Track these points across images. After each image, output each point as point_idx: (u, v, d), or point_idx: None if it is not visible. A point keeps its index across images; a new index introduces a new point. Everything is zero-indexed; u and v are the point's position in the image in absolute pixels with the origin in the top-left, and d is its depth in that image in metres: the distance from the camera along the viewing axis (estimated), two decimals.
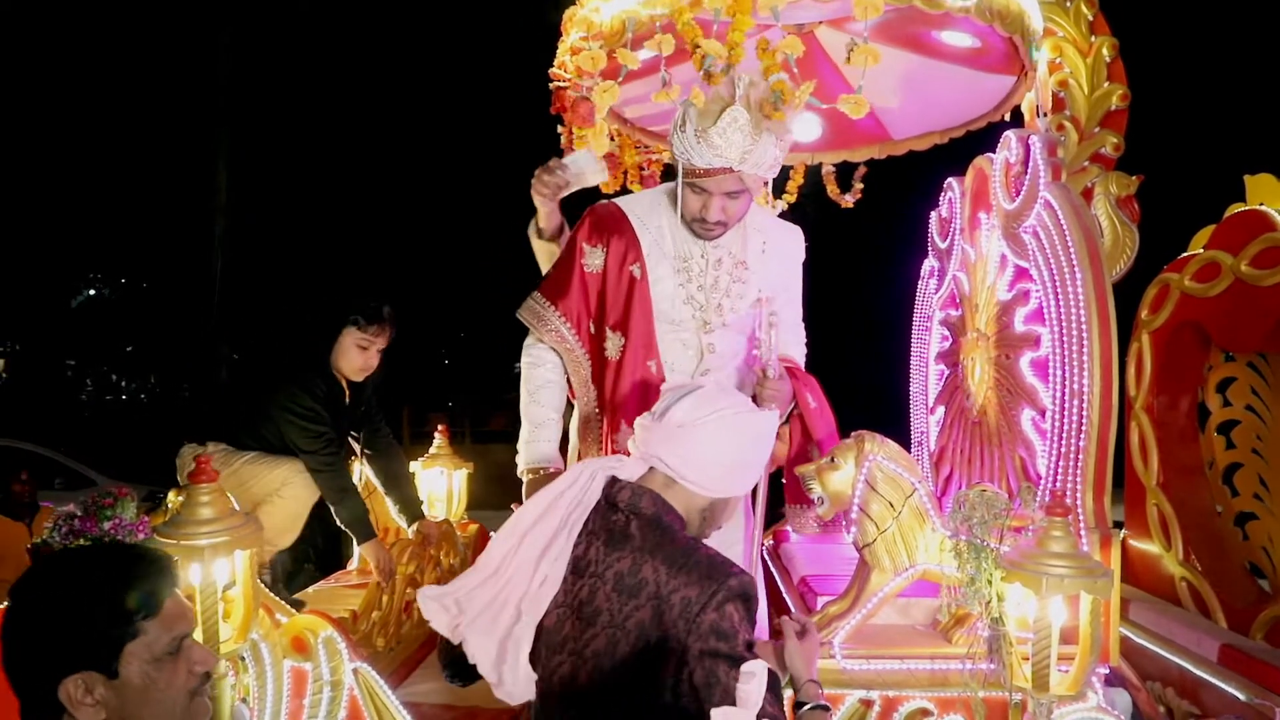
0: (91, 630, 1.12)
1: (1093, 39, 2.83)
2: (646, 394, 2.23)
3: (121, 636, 1.13)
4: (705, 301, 2.29)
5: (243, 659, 2.32)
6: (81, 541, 1.98)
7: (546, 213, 2.55)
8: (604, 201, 2.38)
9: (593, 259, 2.30)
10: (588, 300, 2.32)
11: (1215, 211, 3.18)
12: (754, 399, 2.32)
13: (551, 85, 2.82)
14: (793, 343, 2.49)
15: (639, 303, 2.28)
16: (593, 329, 2.34)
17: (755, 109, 2.01)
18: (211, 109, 12.44)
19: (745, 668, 1.30)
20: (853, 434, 2.36)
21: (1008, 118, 3.26)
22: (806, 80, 2.17)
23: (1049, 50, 2.82)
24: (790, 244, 2.46)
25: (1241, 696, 2.45)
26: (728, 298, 2.30)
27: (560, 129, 2.96)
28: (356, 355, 2.96)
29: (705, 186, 2.11)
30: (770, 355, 2.22)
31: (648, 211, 2.33)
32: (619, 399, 2.29)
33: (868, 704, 2.21)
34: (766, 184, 3.56)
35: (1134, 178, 2.94)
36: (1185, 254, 3.17)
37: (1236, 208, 3.09)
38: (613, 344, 2.31)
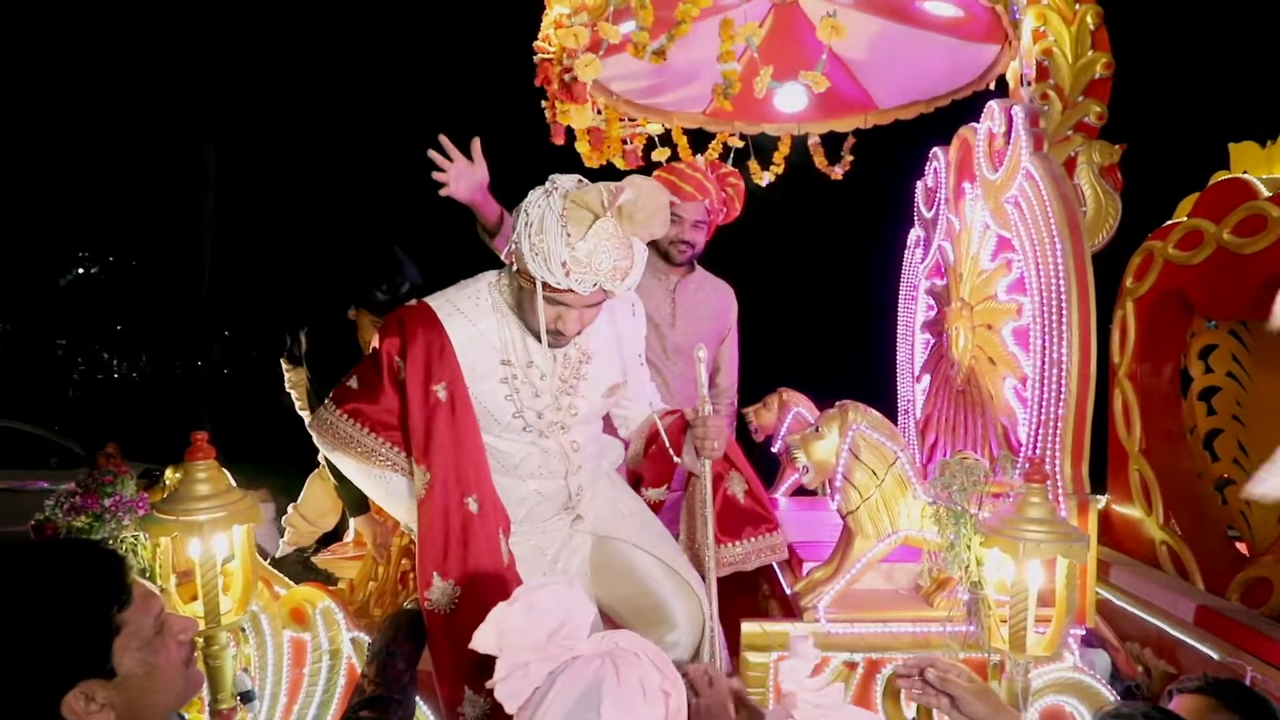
0: (76, 641, 1.09)
1: (1077, 7, 2.82)
2: (464, 538, 2.00)
3: (107, 636, 1.11)
4: (555, 403, 2.05)
5: (243, 630, 2.37)
6: (83, 518, 2.01)
7: (477, 204, 2.31)
8: (413, 304, 2.06)
9: (401, 373, 2.02)
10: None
11: (1200, 179, 3.20)
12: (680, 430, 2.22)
13: (536, 58, 2.82)
14: (655, 400, 2.38)
15: (445, 431, 1.98)
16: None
17: (626, 218, 1.82)
18: (200, 87, 12.32)
19: (795, 630, 1.32)
20: (837, 404, 2.40)
21: (993, 86, 3.27)
22: (781, 50, 2.16)
23: (1033, 18, 2.81)
24: (634, 320, 2.23)
25: (1215, 656, 2.52)
26: (580, 397, 2.09)
27: (544, 103, 2.96)
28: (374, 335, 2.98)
29: (564, 300, 1.86)
30: (703, 393, 2.11)
31: (473, 310, 2.02)
32: (423, 547, 2.01)
33: (851, 666, 2.27)
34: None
35: (1117, 146, 2.95)
36: (1169, 222, 3.20)
37: (1220, 176, 3.12)
38: (417, 479, 2.01)
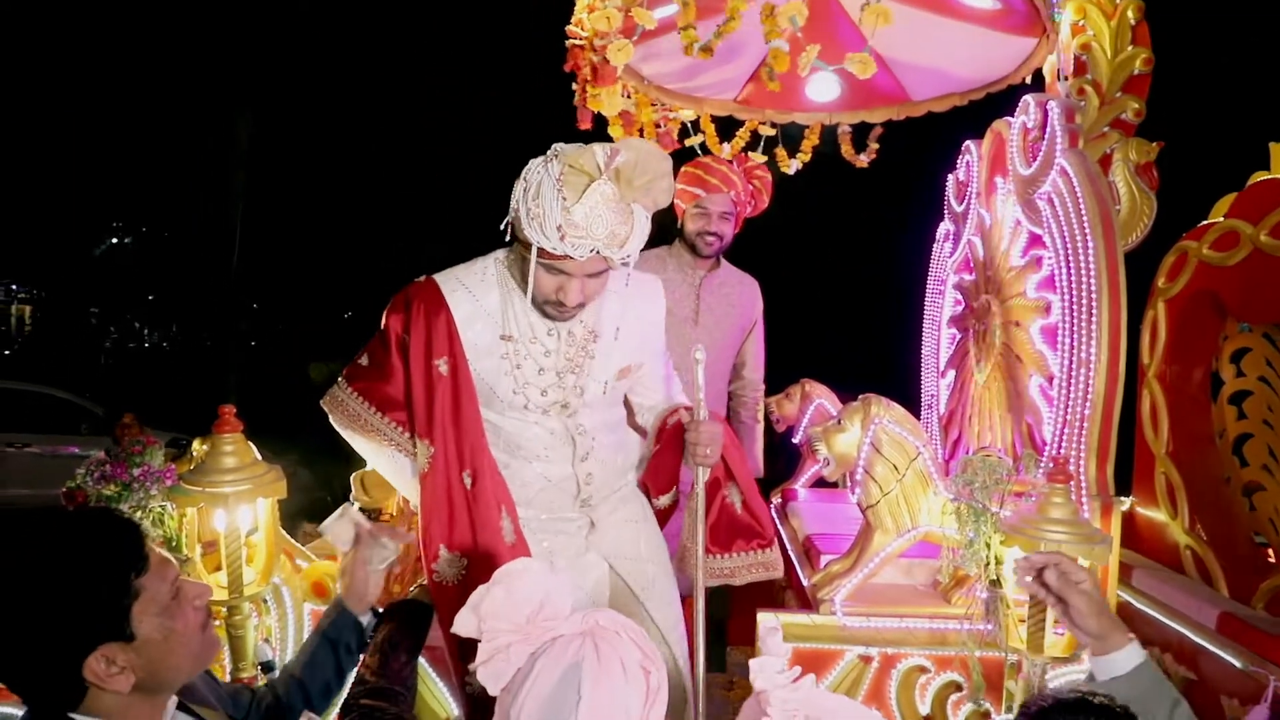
0: (97, 605, 1.12)
1: (1117, 1, 2.77)
2: (468, 511, 2.00)
3: (126, 601, 1.14)
4: (560, 383, 2.01)
5: (265, 601, 2.41)
6: (113, 486, 2.05)
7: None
8: (421, 280, 2.04)
9: (407, 349, 2.01)
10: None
11: (1238, 179, 3.14)
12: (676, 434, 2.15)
13: (568, 43, 2.81)
14: (676, 393, 2.32)
15: (446, 406, 1.98)
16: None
17: (624, 182, 1.76)
18: (235, 58, 12.40)
19: (766, 622, 1.29)
20: (860, 397, 2.40)
21: (1029, 80, 3.22)
22: (818, 40, 2.14)
23: (1072, 12, 2.77)
24: (649, 303, 2.15)
25: (1237, 664, 2.49)
26: (588, 377, 2.05)
27: (574, 86, 2.95)
28: None
29: (564, 268, 1.82)
30: (699, 396, 2.04)
31: (478, 285, 2.00)
32: (427, 520, 2.01)
33: (866, 660, 2.27)
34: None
35: (1154, 144, 2.91)
36: (1205, 222, 3.14)
37: (1259, 176, 3.05)
38: (421, 453, 2.01)
